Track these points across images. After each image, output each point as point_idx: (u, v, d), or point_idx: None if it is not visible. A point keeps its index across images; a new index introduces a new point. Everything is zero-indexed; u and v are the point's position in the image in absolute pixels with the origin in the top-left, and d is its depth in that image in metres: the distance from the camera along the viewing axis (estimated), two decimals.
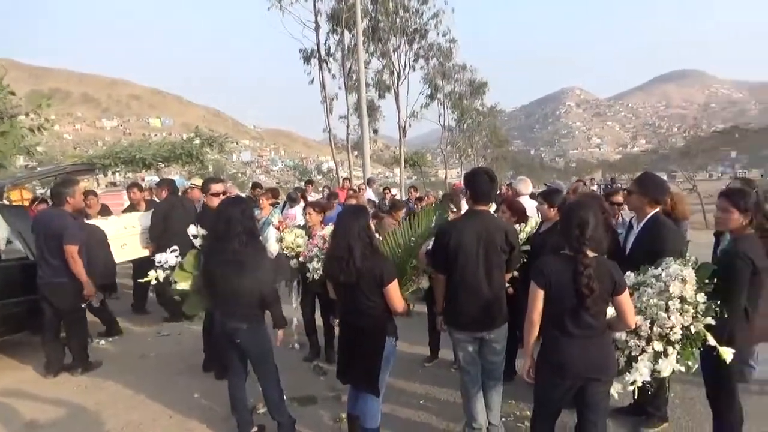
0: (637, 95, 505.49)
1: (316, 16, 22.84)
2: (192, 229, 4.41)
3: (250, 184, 9.58)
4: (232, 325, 3.45)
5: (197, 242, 4.32)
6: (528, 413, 3.77)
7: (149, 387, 4.72)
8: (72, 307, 4.93)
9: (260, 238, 4.59)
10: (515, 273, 3.75)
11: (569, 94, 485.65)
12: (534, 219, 4.73)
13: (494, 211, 4.50)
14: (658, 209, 3.52)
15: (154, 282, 4.42)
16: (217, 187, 5.04)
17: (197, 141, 24.21)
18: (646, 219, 3.50)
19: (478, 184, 3.38)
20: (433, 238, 3.54)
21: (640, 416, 3.74)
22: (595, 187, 15.08)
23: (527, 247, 4.15)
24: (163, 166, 23.84)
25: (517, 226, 4.29)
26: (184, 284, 4.06)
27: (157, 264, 4.41)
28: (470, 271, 3.29)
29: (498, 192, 8.27)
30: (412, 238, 3.67)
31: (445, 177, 43.35)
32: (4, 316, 5.09)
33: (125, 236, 6.24)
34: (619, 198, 5.30)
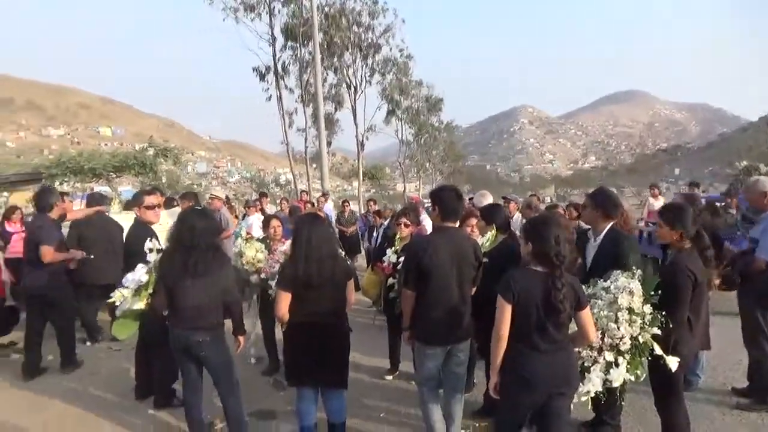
0: (586, 114, 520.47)
1: (272, 29, 22.89)
2: (148, 243, 4.09)
3: (207, 196, 9.06)
4: (196, 339, 3.39)
5: (152, 257, 3.99)
6: (485, 425, 3.84)
7: (100, 405, 4.56)
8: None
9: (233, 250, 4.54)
10: None
11: (522, 112, 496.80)
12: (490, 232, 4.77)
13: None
14: (612, 222, 3.60)
15: (119, 303, 3.89)
16: (152, 200, 4.65)
17: (151, 151, 23.59)
18: (604, 232, 3.55)
19: (447, 201, 3.38)
20: (403, 256, 3.55)
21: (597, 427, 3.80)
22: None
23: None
24: (114, 176, 23.12)
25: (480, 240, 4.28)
26: (140, 304, 3.81)
27: (124, 283, 3.89)
28: (445, 288, 3.29)
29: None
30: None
31: (404, 190, 43.72)
32: None
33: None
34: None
